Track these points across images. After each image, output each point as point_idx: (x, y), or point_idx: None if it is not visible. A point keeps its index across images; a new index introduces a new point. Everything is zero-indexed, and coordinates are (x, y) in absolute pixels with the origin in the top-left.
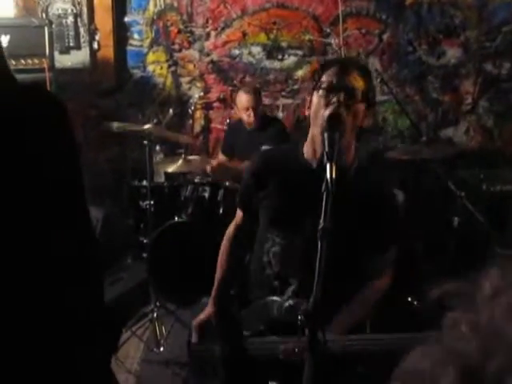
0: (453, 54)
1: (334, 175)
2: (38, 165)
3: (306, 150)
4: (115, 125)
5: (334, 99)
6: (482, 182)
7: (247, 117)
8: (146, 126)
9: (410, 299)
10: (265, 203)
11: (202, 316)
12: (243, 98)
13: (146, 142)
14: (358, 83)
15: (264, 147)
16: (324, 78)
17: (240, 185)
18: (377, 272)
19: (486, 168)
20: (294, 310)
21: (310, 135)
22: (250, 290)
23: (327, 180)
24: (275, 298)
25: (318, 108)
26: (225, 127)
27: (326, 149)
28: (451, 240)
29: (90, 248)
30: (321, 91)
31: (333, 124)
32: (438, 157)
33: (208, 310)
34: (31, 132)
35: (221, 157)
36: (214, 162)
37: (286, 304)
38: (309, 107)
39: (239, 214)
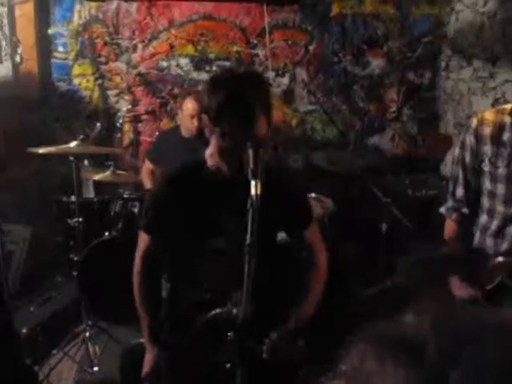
0: (377, 64)
1: (258, 192)
2: None
3: (213, 161)
4: (40, 150)
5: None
6: (408, 188)
7: (191, 124)
8: (72, 145)
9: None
10: (180, 225)
11: (148, 365)
12: (190, 105)
13: (72, 158)
14: (259, 108)
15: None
16: (222, 108)
17: (145, 207)
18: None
19: (411, 174)
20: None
21: (214, 147)
22: (187, 313)
23: (252, 197)
24: (218, 310)
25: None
26: (154, 140)
27: (251, 166)
28: (380, 246)
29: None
30: (217, 115)
31: (256, 144)
32: (365, 164)
33: (150, 355)
34: None
35: (148, 165)
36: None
37: (234, 312)
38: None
39: (145, 238)
